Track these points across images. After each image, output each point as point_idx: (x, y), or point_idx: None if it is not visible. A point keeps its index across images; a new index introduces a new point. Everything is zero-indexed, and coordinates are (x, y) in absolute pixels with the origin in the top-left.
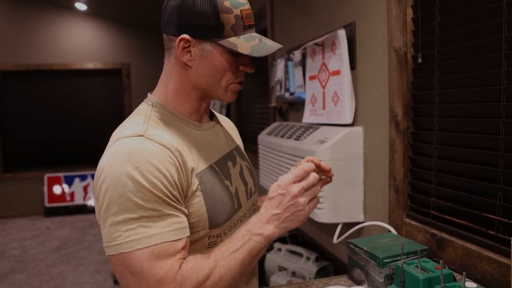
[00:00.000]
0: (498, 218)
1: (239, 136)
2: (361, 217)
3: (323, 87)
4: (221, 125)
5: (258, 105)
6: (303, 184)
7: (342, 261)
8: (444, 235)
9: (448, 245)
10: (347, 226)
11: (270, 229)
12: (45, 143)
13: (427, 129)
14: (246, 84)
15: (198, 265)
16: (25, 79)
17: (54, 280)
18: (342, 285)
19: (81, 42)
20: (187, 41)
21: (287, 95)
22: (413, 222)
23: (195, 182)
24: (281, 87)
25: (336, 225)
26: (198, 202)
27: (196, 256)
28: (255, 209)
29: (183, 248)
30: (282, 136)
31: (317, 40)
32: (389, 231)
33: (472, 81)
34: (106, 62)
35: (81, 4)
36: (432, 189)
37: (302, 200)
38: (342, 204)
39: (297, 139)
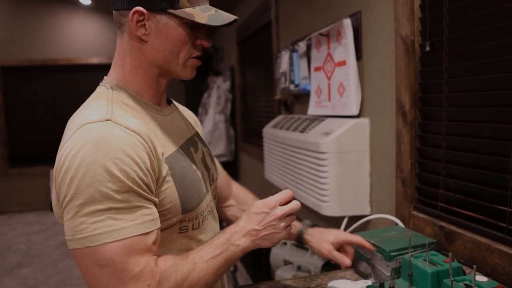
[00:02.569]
0: (509, 209)
1: (200, 126)
2: (367, 210)
3: (329, 78)
4: (179, 111)
5: (263, 98)
6: (287, 209)
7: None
8: (453, 228)
9: (457, 238)
10: (353, 219)
11: (246, 243)
12: (50, 138)
13: (435, 119)
14: (251, 78)
15: (177, 265)
16: (30, 74)
17: (60, 274)
18: (348, 278)
19: (85, 37)
20: (141, 13)
21: (292, 87)
22: (421, 215)
23: (165, 167)
24: (286, 79)
25: (342, 218)
26: (169, 188)
27: (175, 257)
28: (216, 195)
29: (154, 242)
30: (287, 129)
31: (322, 31)
32: (396, 224)
33: (483, 69)
34: (110, 57)
35: None
36: (440, 181)
37: (282, 224)
38: (348, 197)
39: (302, 131)
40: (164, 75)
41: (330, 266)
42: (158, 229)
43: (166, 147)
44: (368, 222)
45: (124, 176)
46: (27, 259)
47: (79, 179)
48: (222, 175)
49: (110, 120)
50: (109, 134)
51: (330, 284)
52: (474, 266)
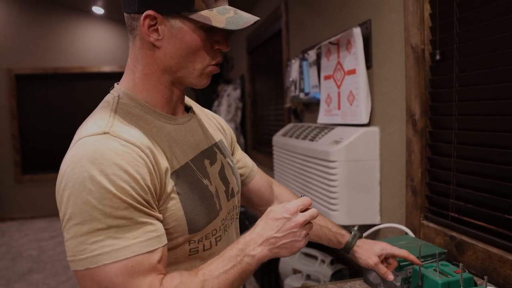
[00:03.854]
0: None
1: (228, 131)
2: (377, 219)
3: (338, 86)
4: (199, 119)
5: (273, 106)
6: (308, 215)
7: (357, 264)
8: (464, 238)
9: (468, 248)
10: (363, 228)
11: (263, 252)
12: (62, 145)
13: (445, 128)
14: (261, 86)
15: (184, 284)
16: (43, 82)
17: (70, 281)
18: (356, 287)
19: (98, 46)
20: (153, 18)
21: (301, 95)
22: (431, 224)
23: (170, 183)
24: (295, 88)
25: (351, 227)
26: (175, 205)
27: (182, 274)
28: (237, 211)
29: (159, 261)
30: (297, 137)
31: (332, 39)
32: (406, 233)
33: (493, 78)
34: (122, 65)
35: (98, 8)
36: (451, 190)
37: (304, 232)
38: (358, 205)
39: (312, 140)
40: (177, 84)
41: (339, 275)
42: (164, 246)
43: (173, 160)
44: (377, 231)
45: (122, 192)
46: (39, 265)
47: (76, 197)
48: (259, 176)
49: (108, 133)
50: (105, 148)
51: None
52: (486, 277)
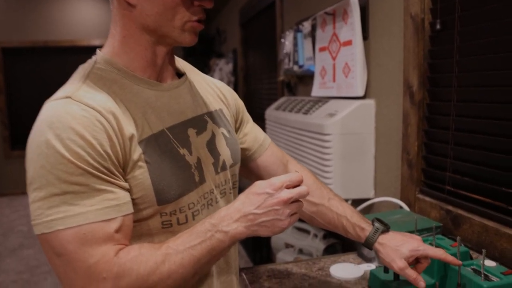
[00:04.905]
0: None
1: (228, 99)
2: (371, 193)
3: (334, 58)
4: (192, 85)
5: (266, 80)
6: (295, 193)
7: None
8: (460, 212)
9: (464, 222)
10: (357, 202)
11: (239, 229)
12: None
13: (444, 100)
14: (254, 60)
15: (142, 255)
16: (32, 55)
17: None
18: (351, 262)
19: (88, 19)
20: None
21: (295, 68)
22: (427, 198)
23: (137, 151)
24: (289, 60)
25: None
26: (142, 174)
27: (142, 245)
28: (234, 185)
29: (118, 231)
30: (290, 111)
31: (328, 9)
32: (401, 207)
33: (495, 48)
34: None
35: None
36: (448, 163)
37: (287, 210)
38: (352, 179)
39: (305, 113)
40: (161, 43)
41: (332, 250)
42: (126, 215)
43: (145, 127)
44: (372, 205)
45: (76, 158)
46: (29, 241)
47: (34, 161)
48: (272, 152)
49: (70, 97)
50: (63, 112)
51: (333, 267)
52: (484, 250)
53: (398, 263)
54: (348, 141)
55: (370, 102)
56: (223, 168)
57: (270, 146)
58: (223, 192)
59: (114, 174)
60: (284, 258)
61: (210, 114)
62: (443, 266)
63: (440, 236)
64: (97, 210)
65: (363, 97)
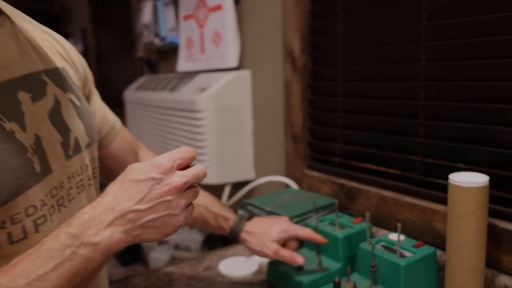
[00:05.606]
0: (418, 158)
1: (73, 58)
2: (252, 175)
3: (201, 26)
4: (18, 30)
5: (122, 61)
6: (191, 175)
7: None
8: (354, 184)
9: (359, 195)
10: (239, 186)
11: (114, 236)
12: None
13: (329, 65)
14: (107, 39)
15: None
16: None
17: None
18: (241, 255)
19: None
20: None
21: (157, 41)
22: (316, 174)
23: None
24: (149, 33)
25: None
26: None
27: None
28: (95, 174)
29: None
30: (153, 89)
31: None
32: (288, 186)
33: (382, 4)
34: None
35: None
36: (337, 133)
37: (182, 201)
38: (231, 160)
39: (172, 90)
40: None
41: (210, 241)
42: None
43: None
44: (254, 188)
45: None
46: None
47: None
48: (123, 137)
49: None
50: None
51: (222, 264)
52: (399, 224)
53: (271, 247)
54: (223, 117)
55: (246, 73)
56: (77, 149)
57: (121, 130)
58: (81, 184)
59: None
60: (158, 258)
61: (51, 73)
62: (348, 247)
63: (338, 213)
64: None
65: (237, 68)
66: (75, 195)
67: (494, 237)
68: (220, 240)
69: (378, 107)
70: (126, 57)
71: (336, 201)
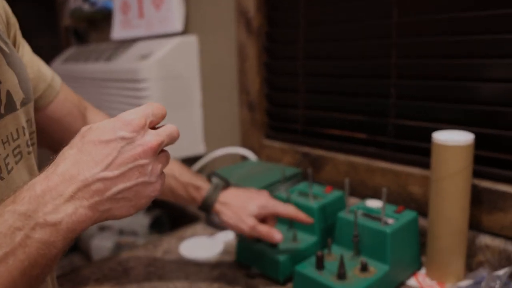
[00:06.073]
0: (390, 120)
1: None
2: (201, 149)
3: None
4: None
5: (43, 33)
6: (165, 134)
7: (177, 206)
8: (320, 152)
9: (326, 163)
10: (189, 162)
11: (79, 213)
12: None
13: (289, 25)
14: (25, 10)
15: None
16: None
17: None
18: (201, 234)
19: None
20: None
21: (86, 6)
22: (276, 143)
23: None
24: None
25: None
26: None
27: None
28: (33, 140)
29: None
30: (85, 61)
31: None
32: (244, 158)
33: None
34: None
35: None
36: (299, 99)
37: (159, 165)
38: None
39: (108, 59)
40: None
41: (159, 223)
42: None
43: None
44: (208, 163)
45: None
46: None
47: None
48: (65, 97)
49: None
50: None
51: (182, 247)
52: (384, 189)
53: (248, 222)
54: (168, 87)
55: (192, 38)
56: (10, 107)
57: (62, 88)
58: (18, 152)
59: None
60: (102, 245)
61: None
62: (323, 218)
63: (305, 183)
64: None
65: (183, 33)
66: (13, 165)
67: (474, 197)
68: (169, 221)
69: (345, 68)
70: (48, 28)
71: (296, 172)
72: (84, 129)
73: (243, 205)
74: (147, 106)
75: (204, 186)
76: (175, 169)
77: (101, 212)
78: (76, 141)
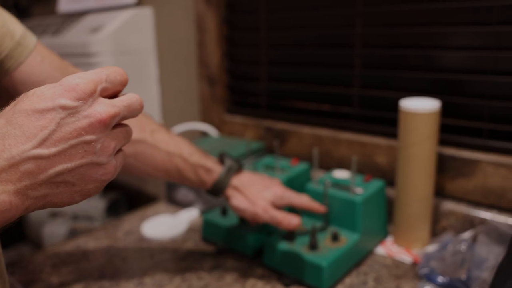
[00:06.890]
0: (355, 91)
1: None
2: None
3: None
4: None
5: None
6: (123, 104)
7: (134, 187)
8: (284, 126)
9: (290, 137)
10: None
11: (1, 199)
12: None
13: None
14: None
15: None
16: None
17: None
18: (163, 213)
19: None
20: None
21: None
22: (238, 118)
23: None
24: None
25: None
26: None
27: None
28: None
29: None
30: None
31: None
32: (204, 134)
33: None
34: None
35: None
36: (261, 71)
37: (112, 142)
38: None
39: (55, 33)
40: None
41: (116, 206)
42: None
43: None
44: None
45: None
46: None
47: None
48: (41, 58)
49: None
50: None
51: (145, 227)
52: (354, 157)
53: (261, 203)
54: (122, 62)
55: (147, 10)
56: None
57: (37, 48)
58: None
59: None
60: (55, 232)
61: None
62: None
63: (270, 157)
64: None
65: (137, 5)
66: None
67: (439, 164)
68: (127, 204)
69: (309, 38)
70: None
71: (260, 146)
72: (22, 95)
73: (257, 192)
74: (101, 69)
75: (215, 169)
76: (183, 149)
77: (34, 199)
78: (6, 110)
